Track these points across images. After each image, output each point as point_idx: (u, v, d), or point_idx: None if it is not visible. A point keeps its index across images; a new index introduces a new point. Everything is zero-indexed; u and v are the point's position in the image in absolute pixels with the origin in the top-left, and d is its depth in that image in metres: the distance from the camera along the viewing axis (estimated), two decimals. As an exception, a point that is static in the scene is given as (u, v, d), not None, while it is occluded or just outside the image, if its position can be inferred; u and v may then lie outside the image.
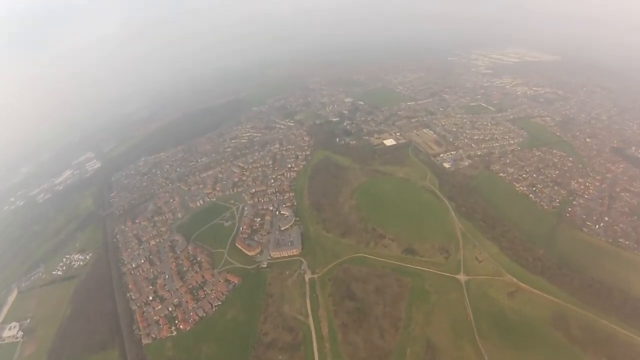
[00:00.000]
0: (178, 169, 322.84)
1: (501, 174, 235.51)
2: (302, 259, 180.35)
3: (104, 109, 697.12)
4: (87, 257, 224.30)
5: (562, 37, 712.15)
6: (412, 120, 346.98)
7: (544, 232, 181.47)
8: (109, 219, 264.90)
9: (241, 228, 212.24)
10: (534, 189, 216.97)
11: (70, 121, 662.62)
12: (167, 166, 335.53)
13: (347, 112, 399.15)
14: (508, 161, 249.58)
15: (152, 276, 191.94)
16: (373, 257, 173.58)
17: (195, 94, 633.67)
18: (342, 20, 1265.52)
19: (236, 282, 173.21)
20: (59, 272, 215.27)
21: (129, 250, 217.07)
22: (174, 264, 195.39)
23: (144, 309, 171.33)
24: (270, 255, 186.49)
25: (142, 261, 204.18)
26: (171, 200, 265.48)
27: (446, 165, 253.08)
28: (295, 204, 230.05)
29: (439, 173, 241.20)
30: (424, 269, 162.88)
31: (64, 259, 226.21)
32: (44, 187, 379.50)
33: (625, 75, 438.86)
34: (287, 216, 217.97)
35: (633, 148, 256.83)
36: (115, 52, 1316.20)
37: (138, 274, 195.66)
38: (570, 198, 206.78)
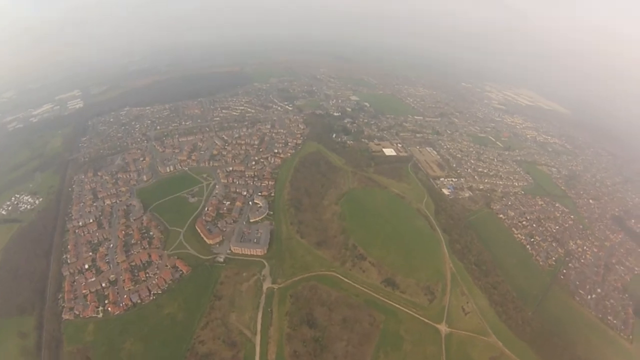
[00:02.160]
0: (158, 127, 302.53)
1: (501, 216, 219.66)
2: (265, 262, 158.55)
3: (106, 52, 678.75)
4: (37, 201, 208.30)
5: (575, 92, 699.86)
6: (417, 135, 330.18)
7: (536, 291, 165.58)
8: (72, 164, 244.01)
9: (206, 209, 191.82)
10: (532, 240, 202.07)
11: (69, 57, 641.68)
12: (149, 121, 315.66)
13: (350, 110, 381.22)
14: (510, 203, 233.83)
15: (96, 241, 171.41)
16: (347, 281, 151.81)
17: (200, 59, 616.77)
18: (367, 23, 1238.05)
19: (184, 271, 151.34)
20: (3, 212, 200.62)
21: (81, 204, 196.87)
22: (123, 232, 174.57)
23: (76, 277, 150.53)
24: (230, 249, 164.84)
25: (91, 221, 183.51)
26: (141, 159, 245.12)
27: (445, 191, 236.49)
28: (272, 195, 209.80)
29: (437, 198, 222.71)
30: (403, 308, 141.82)
31: (13, 198, 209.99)
32: (19, 115, 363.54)
33: (633, 144, 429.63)
34: (260, 207, 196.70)
35: (633, 221, 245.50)
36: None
37: (82, 234, 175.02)
38: (567, 259, 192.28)
